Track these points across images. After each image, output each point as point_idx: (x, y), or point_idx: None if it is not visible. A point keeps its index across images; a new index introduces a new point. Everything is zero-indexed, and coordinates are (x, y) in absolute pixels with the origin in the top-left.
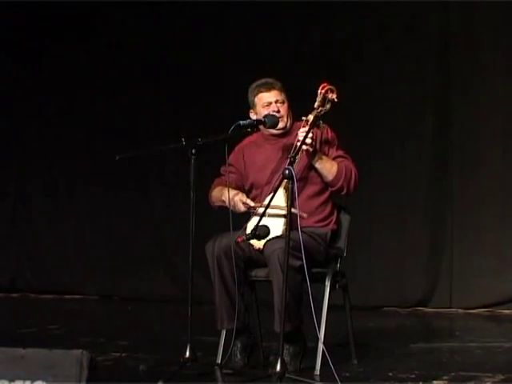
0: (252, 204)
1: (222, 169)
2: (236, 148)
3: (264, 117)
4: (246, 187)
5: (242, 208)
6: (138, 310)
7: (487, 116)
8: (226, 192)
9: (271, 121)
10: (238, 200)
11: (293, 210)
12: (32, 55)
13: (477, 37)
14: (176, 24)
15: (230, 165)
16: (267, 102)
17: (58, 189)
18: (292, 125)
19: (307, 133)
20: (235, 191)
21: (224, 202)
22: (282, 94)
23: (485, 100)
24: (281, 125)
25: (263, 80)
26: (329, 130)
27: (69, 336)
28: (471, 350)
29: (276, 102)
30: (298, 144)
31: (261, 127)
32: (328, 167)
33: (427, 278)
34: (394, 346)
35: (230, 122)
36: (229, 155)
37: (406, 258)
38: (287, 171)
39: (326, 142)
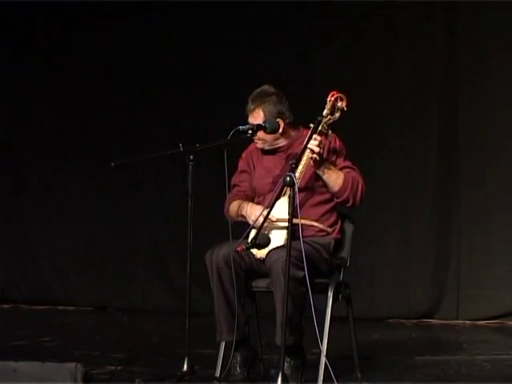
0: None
1: (235, 180)
2: (243, 154)
3: (264, 122)
4: None
5: (261, 219)
6: (133, 322)
7: (495, 119)
8: (246, 206)
9: (272, 126)
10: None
11: (295, 220)
12: (32, 55)
13: (485, 38)
14: (175, 27)
15: (242, 171)
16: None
17: (52, 200)
18: (299, 132)
19: (308, 139)
20: (250, 203)
21: (244, 217)
22: (263, 114)
23: (493, 103)
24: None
25: (251, 97)
26: (337, 140)
27: (62, 348)
28: (479, 363)
29: None
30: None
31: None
32: (334, 178)
33: (433, 288)
34: (399, 358)
35: (229, 127)
36: (228, 161)
37: (411, 268)
38: (288, 178)
39: (334, 152)
